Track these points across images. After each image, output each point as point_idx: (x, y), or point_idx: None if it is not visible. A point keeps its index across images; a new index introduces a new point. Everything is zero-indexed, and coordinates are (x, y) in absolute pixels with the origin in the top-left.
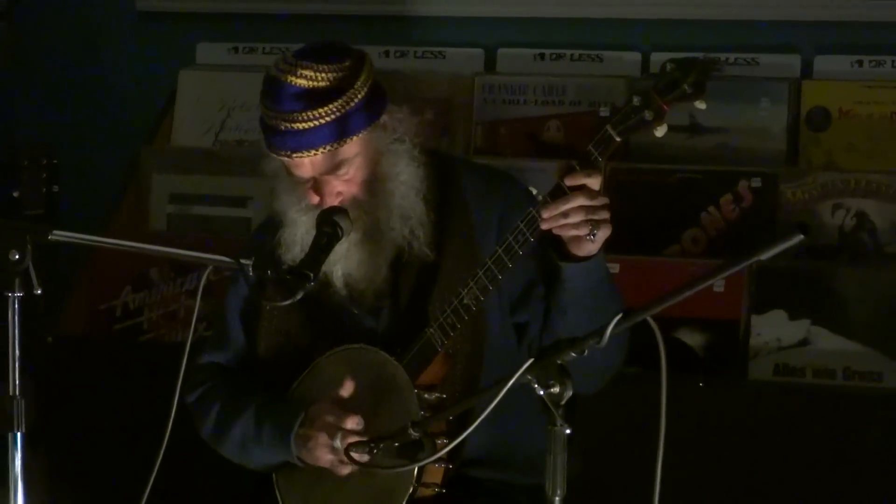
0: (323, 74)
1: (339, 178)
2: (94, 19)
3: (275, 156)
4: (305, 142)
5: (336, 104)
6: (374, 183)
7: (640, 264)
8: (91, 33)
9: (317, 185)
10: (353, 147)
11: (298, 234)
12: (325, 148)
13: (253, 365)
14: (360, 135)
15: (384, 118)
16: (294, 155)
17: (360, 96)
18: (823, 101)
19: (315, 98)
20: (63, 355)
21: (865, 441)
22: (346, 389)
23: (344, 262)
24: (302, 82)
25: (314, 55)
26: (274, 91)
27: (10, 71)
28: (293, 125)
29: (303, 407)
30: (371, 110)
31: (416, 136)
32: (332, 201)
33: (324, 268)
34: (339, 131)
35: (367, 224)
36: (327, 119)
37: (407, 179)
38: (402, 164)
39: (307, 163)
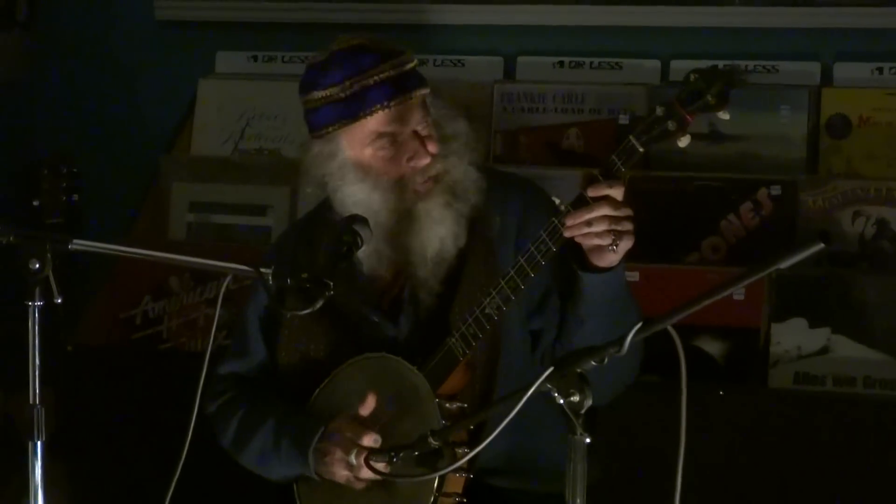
0: (380, 38)
1: (423, 130)
2: (114, 28)
3: (369, 118)
4: (414, 81)
5: (409, 54)
6: (448, 141)
7: (660, 272)
8: (111, 42)
9: (408, 144)
10: (426, 100)
11: (382, 218)
12: (420, 91)
13: (273, 374)
14: (429, 90)
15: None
16: (417, 92)
17: (415, 59)
18: (843, 108)
19: (394, 50)
20: (83, 364)
21: (886, 449)
22: (368, 406)
23: (435, 229)
24: (371, 45)
25: (357, 34)
26: (360, 53)
27: (30, 80)
28: (403, 68)
29: (322, 422)
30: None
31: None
32: (426, 155)
33: (423, 235)
34: (421, 78)
35: (450, 182)
36: (413, 64)
37: (470, 143)
38: (462, 124)
39: (417, 106)
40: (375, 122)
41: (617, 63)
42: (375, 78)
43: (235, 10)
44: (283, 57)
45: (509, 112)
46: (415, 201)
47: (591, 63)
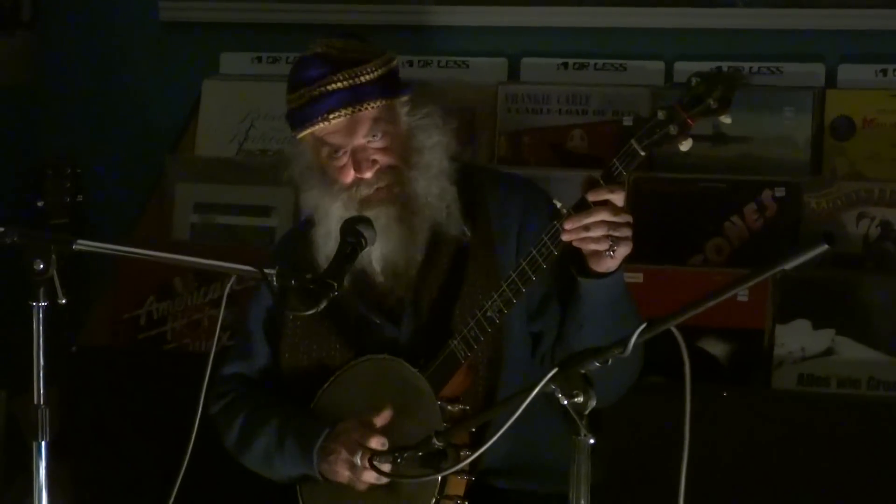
0: (353, 45)
1: (376, 142)
2: (118, 29)
3: (314, 128)
4: (367, 93)
5: (375, 63)
6: (412, 154)
7: (664, 274)
8: (115, 43)
9: (354, 156)
10: (394, 109)
11: (332, 224)
12: (374, 103)
13: (276, 375)
14: (402, 98)
15: (411, 97)
16: (370, 104)
17: (390, 64)
18: (847, 110)
19: (353, 60)
20: (87, 365)
21: (890, 451)
22: (383, 418)
23: (382, 242)
24: (334, 52)
25: (334, 38)
26: (312, 62)
27: (35, 81)
28: (355, 80)
29: (328, 423)
30: (401, 83)
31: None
32: (369, 169)
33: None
34: (383, 89)
35: (404, 196)
36: (373, 75)
37: (440, 157)
38: (436, 136)
39: (368, 118)
40: (323, 132)
41: (621, 64)
42: (322, 89)
43: (240, 11)
44: (287, 58)
45: (513, 113)
46: (362, 211)
47: (595, 64)
